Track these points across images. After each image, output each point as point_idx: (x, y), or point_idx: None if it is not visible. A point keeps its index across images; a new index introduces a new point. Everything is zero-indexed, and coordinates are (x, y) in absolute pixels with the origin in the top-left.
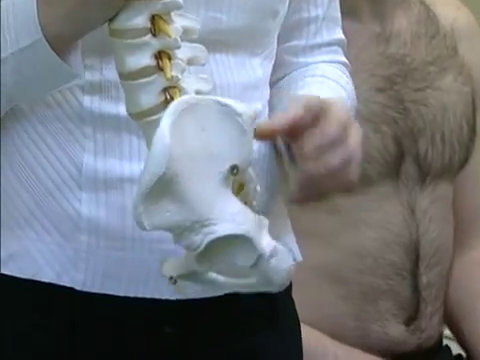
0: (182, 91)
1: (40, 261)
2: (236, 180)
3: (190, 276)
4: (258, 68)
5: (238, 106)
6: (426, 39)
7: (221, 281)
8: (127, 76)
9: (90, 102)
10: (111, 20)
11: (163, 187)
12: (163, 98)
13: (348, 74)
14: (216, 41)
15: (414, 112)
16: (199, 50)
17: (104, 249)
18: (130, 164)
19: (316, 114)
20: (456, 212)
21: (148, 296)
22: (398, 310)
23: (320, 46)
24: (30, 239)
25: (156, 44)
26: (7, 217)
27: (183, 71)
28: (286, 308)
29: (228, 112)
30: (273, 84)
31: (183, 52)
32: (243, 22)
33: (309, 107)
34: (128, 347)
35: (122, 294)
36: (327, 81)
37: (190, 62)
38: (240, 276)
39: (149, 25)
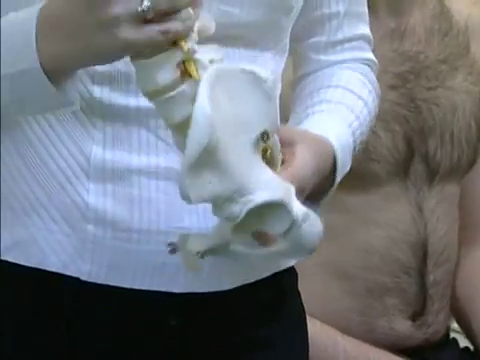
0: (197, 63)
1: (46, 250)
2: (262, 146)
3: (218, 250)
4: (270, 62)
5: (262, 72)
6: (439, 36)
7: (253, 252)
8: (139, 55)
9: (100, 92)
10: None
11: (205, 158)
12: (179, 72)
13: (373, 75)
14: (228, 35)
15: (425, 111)
16: (206, 19)
17: (110, 240)
18: (138, 156)
19: None
20: (464, 210)
21: (153, 288)
22: (404, 306)
23: (342, 42)
24: (37, 227)
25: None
26: (15, 204)
27: (195, 41)
28: (292, 301)
29: (254, 79)
30: (298, 80)
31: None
32: (256, 17)
33: None
34: (132, 339)
35: (127, 286)
36: (346, 99)
37: (199, 32)
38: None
39: None
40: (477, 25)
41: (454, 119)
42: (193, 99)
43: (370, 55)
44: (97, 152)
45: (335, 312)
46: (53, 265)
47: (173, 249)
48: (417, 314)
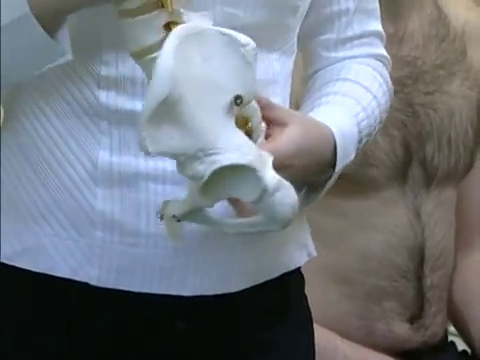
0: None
1: (55, 256)
2: (241, 114)
3: (194, 216)
4: (275, 63)
5: (241, 37)
6: (436, 42)
7: (225, 221)
8: (126, 13)
9: (106, 97)
10: None
11: (167, 111)
12: (165, 34)
13: (385, 70)
14: None
15: (423, 116)
16: None
17: (118, 245)
18: (145, 160)
19: None
20: (461, 214)
21: (162, 292)
22: (402, 309)
23: (351, 39)
24: (45, 234)
25: None
26: (24, 210)
27: (184, 6)
28: (298, 304)
29: (231, 42)
30: (309, 77)
31: None
32: (261, 18)
33: None
34: (140, 341)
35: (136, 290)
36: (353, 91)
37: None
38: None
39: None
40: (474, 30)
41: (451, 124)
42: None
43: (382, 51)
44: (104, 157)
45: (334, 316)
46: (62, 271)
47: (161, 216)
48: (415, 317)
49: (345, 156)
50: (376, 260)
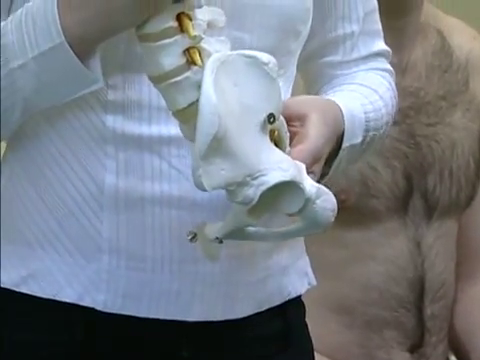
0: (203, 52)
1: (61, 281)
2: (269, 128)
3: (236, 234)
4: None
5: (263, 55)
6: (439, 72)
7: (268, 233)
8: (147, 38)
9: (113, 121)
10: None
11: (216, 146)
12: (185, 59)
13: (391, 81)
14: None
15: (425, 147)
16: (217, 13)
17: (125, 269)
18: (152, 184)
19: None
20: (463, 246)
21: (168, 317)
22: (403, 339)
23: (356, 60)
24: (51, 259)
25: (177, 6)
26: (29, 236)
27: (204, 32)
28: (300, 333)
29: (255, 63)
30: (316, 94)
31: (202, 14)
32: (266, 42)
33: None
34: None
35: (142, 315)
36: (360, 89)
37: (209, 25)
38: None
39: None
40: (477, 60)
41: (453, 156)
42: (197, 86)
43: (387, 66)
44: (110, 181)
45: (334, 345)
46: (68, 296)
47: (193, 237)
48: (415, 346)
49: (351, 137)
50: (377, 291)
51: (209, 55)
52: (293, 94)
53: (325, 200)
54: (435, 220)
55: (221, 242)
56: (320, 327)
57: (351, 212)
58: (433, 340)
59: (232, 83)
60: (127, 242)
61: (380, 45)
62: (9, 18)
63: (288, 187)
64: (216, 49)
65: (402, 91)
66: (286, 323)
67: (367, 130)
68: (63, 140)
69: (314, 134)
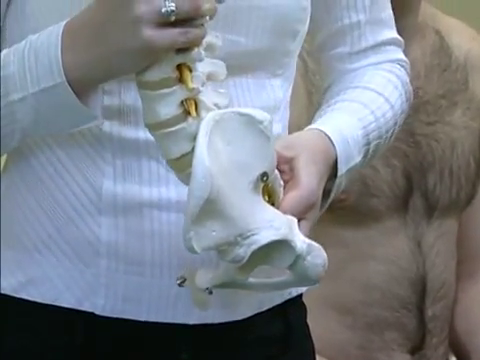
0: (200, 104)
1: (60, 286)
2: (262, 186)
3: (226, 285)
4: (278, 90)
5: (258, 114)
6: (438, 71)
7: (259, 283)
8: (146, 85)
9: (109, 127)
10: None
11: (208, 208)
12: (182, 110)
13: (403, 72)
14: (235, 64)
15: (425, 146)
16: (218, 66)
17: (123, 274)
18: (149, 189)
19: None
20: (463, 245)
21: (168, 321)
22: (403, 340)
23: (365, 50)
24: (50, 264)
25: (178, 57)
26: (27, 242)
27: (203, 84)
28: (301, 334)
29: (250, 122)
30: (325, 90)
31: (203, 66)
32: (262, 44)
33: None
34: None
35: (142, 319)
36: (363, 95)
37: (209, 77)
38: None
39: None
40: (476, 60)
41: (453, 155)
42: (192, 137)
43: (399, 55)
44: (108, 186)
45: (335, 346)
46: (67, 301)
47: (182, 282)
48: (416, 348)
49: (348, 159)
50: (378, 291)
51: (206, 108)
52: (293, 94)
53: (316, 256)
54: (435, 219)
55: (211, 293)
56: (321, 328)
57: (351, 211)
58: (434, 341)
59: (226, 142)
60: (125, 246)
61: (390, 34)
62: (12, 48)
63: (279, 244)
64: (214, 102)
65: None
66: (287, 324)
67: (368, 143)
68: (60, 146)
69: (305, 179)
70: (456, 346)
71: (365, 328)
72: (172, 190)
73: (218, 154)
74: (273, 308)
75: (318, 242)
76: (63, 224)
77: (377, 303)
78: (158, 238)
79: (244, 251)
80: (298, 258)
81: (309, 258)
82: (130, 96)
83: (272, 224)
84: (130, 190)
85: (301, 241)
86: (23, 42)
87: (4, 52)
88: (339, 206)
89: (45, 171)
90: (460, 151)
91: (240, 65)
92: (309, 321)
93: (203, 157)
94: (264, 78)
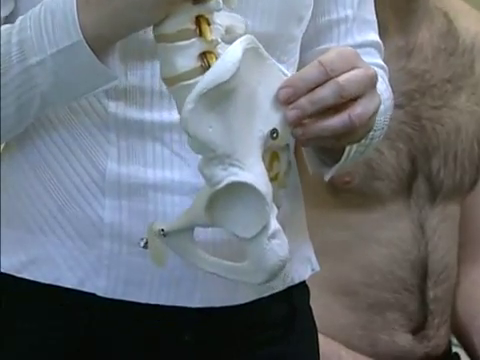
0: (219, 57)
1: (62, 267)
2: (272, 147)
3: (180, 238)
4: None
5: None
6: (445, 55)
7: (206, 257)
8: (164, 37)
9: (115, 108)
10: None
11: (217, 99)
12: (199, 63)
13: (386, 78)
14: None
15: (430, 130)
16: (237, 20)
17: (126, 255)
18: (154, 171)
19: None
20: (465, 229)
21: (169, 303)
22: (405, 321)
23: (352, 47)
24: (53, 244)
25: (196, 8)
26: (31, 222)
27: (222, 37)
28: (304, 317)
29: (282, 79)
30: None
31: (221, 19)
32: (268, 28)
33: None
34: (146, 354)
35: (144, 301)
36: None
37: (228, 30)
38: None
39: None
40: None
41: (458, 139)
42: None
43: (380, 61)
44: (112, 167)
45: (337, 326)
46: (69, 282)
47: (146, 243)
48: (418, 328)
49: None
50: (379, 273)
51: None
52: None
53: (279, 245)
54: (439, 203)
55: (165, 236)
56: (323, 309)
57: (355, 194)
58: (436, 322)
59: (257, 80)
60: (129, 228)
61: (374, 37)
62: (28, 12)
63: (254, 203)
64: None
65: (408, 73)
66: (291, 307)
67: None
68: (65, 125)
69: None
70: (458, 328)
71: (367, 309)
72: (176, 172)
73: (250, 75)
74: (276, 293)
75: (320, 224)
76: (66, 205)
77: (379, 285)
78: (161, 220)
79: (223, 176)
80: (262, 234)
81: (273, 242)
82: (136, 77)
83: (258, 177)
84: (134, 172)
85: (274, 222)
86: (38, 5)
87: (20, 18)
88: (343, 188)
89: (49, 151)
90: (464, 136)
91: None
92: (311, 302)
93: (238, 49)
94: None
